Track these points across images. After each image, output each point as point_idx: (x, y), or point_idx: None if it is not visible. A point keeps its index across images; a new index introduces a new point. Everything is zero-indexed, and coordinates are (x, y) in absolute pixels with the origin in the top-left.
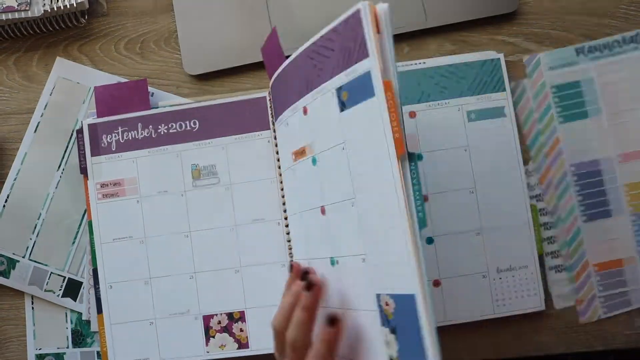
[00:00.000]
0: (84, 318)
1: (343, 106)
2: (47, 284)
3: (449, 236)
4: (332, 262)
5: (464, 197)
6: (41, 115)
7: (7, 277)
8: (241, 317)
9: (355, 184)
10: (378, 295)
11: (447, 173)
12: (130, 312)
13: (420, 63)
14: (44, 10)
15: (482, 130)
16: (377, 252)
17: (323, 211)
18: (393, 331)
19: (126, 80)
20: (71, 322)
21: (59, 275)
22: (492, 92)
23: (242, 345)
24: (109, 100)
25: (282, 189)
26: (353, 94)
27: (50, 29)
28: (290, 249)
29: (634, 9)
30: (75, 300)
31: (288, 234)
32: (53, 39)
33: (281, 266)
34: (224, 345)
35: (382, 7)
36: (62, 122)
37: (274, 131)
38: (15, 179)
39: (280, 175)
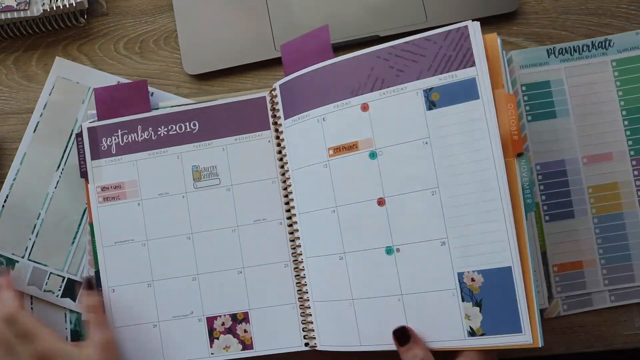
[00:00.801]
0: (83, 319)
1: (432, 105)
2: (46, 284)
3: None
4: (389, 251)
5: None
6: (40, 115)
7: None
8: (245, 318)
9: (440, 175)
10: (460, 274)
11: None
12: (133, 315)
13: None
14: (43, 10)
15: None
16: (463, 235)
17: (381, 202)
18: (477, 304)
19: (126, 80)
20: (70, 323)
21: (58, 275)
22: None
23: (247, 346)
24: (108, 101)
25: (284, 189)
26: (447, 96)
27: (50, 28)
28: (293, 248)
29: (635, 9)
30: (74, 301)
31: (292, 233)
32: (52, 39)
33: (284, 266)
34: (229, 347)
35: (495, 36)
36: (62, 122)
37: (276, 130)
38: (14, 179)
39: (284, 175)
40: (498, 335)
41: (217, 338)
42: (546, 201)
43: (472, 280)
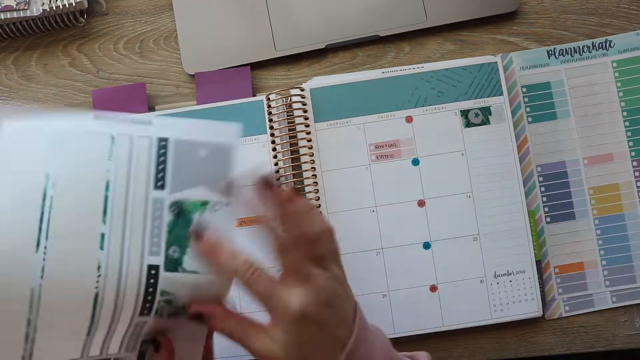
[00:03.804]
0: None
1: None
2: None
3: (447, 241)
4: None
5: (461, 201)
6: None
7: None
8: None
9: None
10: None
11: (444, 177)
12: None
13: (418, 67)
14: (43, 10)
15: (479, 134)
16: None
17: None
18: None
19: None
20: None
21: None
22: (489, 97)
23: None
24: (106, 103)
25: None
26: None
27: (49, 28)
28: None
29: (635, 9)
30: None
31: None
32: (52, 39)
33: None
34: None
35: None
36: None
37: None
38: None
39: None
40: None
41: None
42: (547, 203)
43: None
